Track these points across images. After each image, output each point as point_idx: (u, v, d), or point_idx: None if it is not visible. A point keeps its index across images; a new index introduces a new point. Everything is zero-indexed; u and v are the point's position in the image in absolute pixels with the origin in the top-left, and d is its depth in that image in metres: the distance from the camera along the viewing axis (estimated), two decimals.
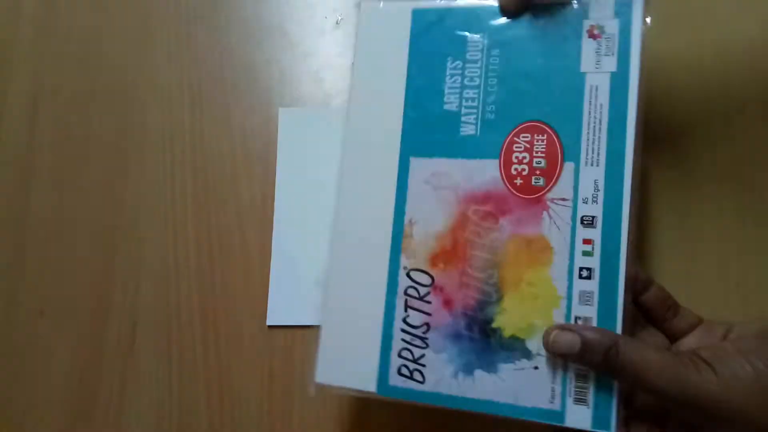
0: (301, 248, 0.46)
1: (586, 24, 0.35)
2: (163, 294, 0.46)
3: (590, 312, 0.33)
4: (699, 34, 0.46)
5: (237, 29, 0.52)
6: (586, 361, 0.31)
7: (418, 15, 0.38)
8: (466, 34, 0.37)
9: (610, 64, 0.35)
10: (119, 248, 0.47)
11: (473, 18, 0.37)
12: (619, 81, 0.34)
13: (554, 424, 0.33)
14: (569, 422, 0.32)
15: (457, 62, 0.37)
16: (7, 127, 0.50)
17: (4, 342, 0.45)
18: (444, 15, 0.38)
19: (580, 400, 0.32)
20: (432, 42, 0.38)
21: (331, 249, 0.37)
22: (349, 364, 0.35)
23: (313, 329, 0.44)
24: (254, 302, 0.45)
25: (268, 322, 0.44)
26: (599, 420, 0.32)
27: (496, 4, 0.37)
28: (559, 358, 0.32)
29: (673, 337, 0.36)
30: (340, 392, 0.35)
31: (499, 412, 0.33)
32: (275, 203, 0.47)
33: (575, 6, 0.36)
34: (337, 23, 0.52)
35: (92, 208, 0.48)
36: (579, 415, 0.32)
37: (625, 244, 0.33)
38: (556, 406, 0.33)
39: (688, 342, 0.35)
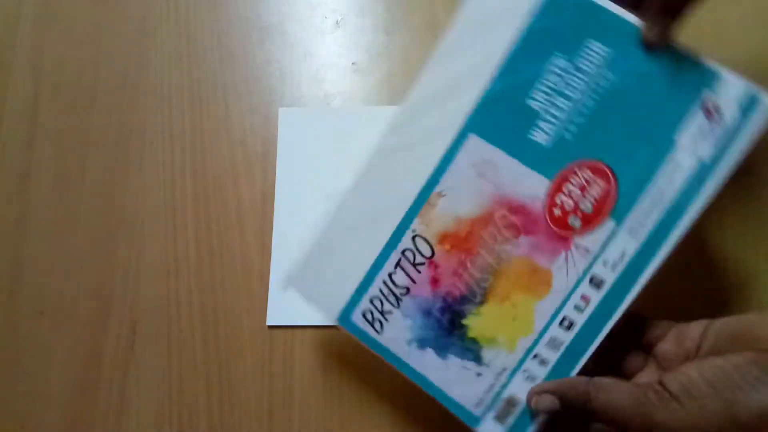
0: (301, 248, 0.46)
1: (707, 94, 0.32)
2: (163, 294, 0.46)
3: (551, 356, 0.34)
4: None
5: (237, 29, 0.52)
6: (568, 413, 0.32)
7: None
8: (590, 38, 0.33)
9: (706, 151, 0.32)
10: (119, 248, 0.47)
11: (606, 24, 0.33)
12: (703, 174, 0.32)
13: (467, 424, 0.34)
14: (482, 429, 0.34)
15: (565, 62, 0.33)
16: (7, 127, 0.50)
17: (4, 342, 0.45)
18: (579, 3, 0.33)
19: (499, 418, 0.34)
20: (550, 25, 0.33)
21: (357, 180, 0.36)
22: (324, 288, 0.36)
23: (309, 329, 0.44)
24: (254, 302, 0.45)
25: (268, 322, 0.44)
26: None
27: (636, 23, 0.33)
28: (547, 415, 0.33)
29: (648, 347, 0.35)
30: (303, 303, 0.37)
31: (429, 390, 0.35)
32: (275, 203, 0.47)
33: (706, 66, 0.32)
34: (337, 23, 0.52)
35: (92, 208, 0.48)
36: (491, 429, 0.34)
37: (615, 320, 0.33)
38: (478, 412, 0.34)
39: (663, 349, 0.34)
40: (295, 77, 0.50)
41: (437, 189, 0.35)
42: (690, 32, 0.46)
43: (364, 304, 0.36)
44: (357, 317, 0.36)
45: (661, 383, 0.30)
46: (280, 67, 0.50)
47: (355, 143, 0.48)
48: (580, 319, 0.33)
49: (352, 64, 0.50)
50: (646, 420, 0.29)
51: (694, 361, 0.31)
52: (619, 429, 0.30)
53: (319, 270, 0.37)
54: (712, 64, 0.32)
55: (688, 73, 0.32)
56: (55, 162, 0.49)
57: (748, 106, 0.32)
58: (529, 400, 0.33)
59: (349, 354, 0.43)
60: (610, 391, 0.31)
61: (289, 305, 0.45)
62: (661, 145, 0.32)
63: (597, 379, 0.32)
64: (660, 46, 0.32)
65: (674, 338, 0.34)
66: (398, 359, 0.35)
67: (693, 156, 0.32)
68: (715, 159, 0.32)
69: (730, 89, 0.32)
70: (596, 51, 0.33)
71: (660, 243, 0.32)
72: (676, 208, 0.32)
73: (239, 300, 0.45)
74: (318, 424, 0.42)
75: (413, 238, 0.35)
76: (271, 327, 0.44)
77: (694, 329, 0.33)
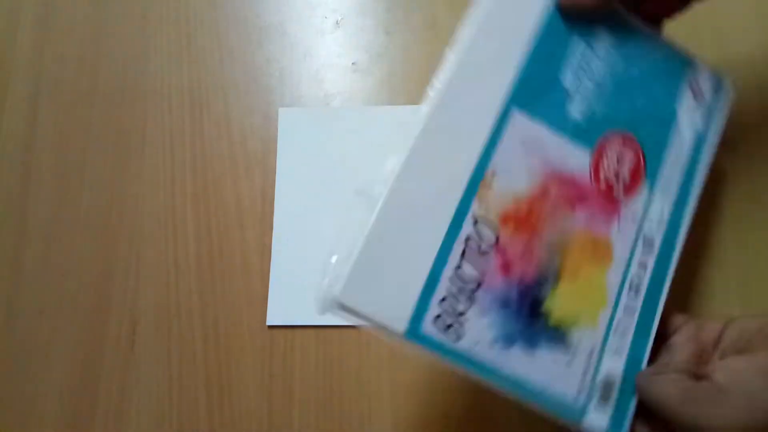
0: (301, 248, 0.46)
1: (691, 77, 0.39)
2: (163, 294, 0.46)
3: (629, 324, 0.34)
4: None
5: (237, 29, 0.52)
6: None
7: None
8: (601, 26, 0.37)
9: (698, 123, 0.39)
10: (119, 248, 0.47)
11: (610, 17, 0.37)
12: (700, 141, 0.39)
13: (571, 422, 0.32)
14: (589, 420, 0.32)
15: (584, 46, 0.37)
16: (7, 127, 0.50)
17: (4, 342, 0.45)
18: None
19: (601, 404, 0.32)
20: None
21: (401, 167, 0.32)
22: (382, 294, 0.30)
23: (309, 329, 0.44)
24: (254, 302, 0.45)
25: (268, 322, 0.44)
26: (616, 421, 0.32)
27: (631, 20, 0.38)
28: None
29: (661, 338, 0.35)
30: (358, 321, 0.30)
31: (526, 395, 0.31)
32: (275, 203, 0.47)
33: (684, 54, 0.39)
34: (337, 23, 0.52)
35: (92, 208, 0.48)
36: (598, 420, 0.32)
37: (671, 277, 0.35)
38: (580, 403, 0.32)
39: (677, 341, 0.34)
40: (295, 77, 0.50)
41: (490, 168, 0.33)
42: (690, 32, 0.46)
43: (433, 308, 0.30)
44: (428, 326, 0.30)
45: (710, 379, 0.30)
46: (280, 67, 0.50)
47: (355, 143, 0.48)
48: (644, 282, 0.35)
49: (352, 64, 0.50)
50: (697, 418, 0.29)
51: (741, 355, 0.31)
52: (668, 420, 0.30)
53: (371, 277, 0.30)
54: (687, 52, 0.40)
55: (672, 58, 0.39)
56: (55, 162, 0.49)
57: (718, 87, 0.40)
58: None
59: (349, 354, 0.43)
60: (662, 384, 0.31)
61: (289, 305, 0.45)
62: (667, 118, 0.38)
63: (647, 370, 0.32)
64: (571, 10, 0.36)
65: (690, 332, 0.34)
66: (484, 366, 0.31)
67: (690, 127, 0.38)
68: (706, 128, 0.39)
69: (704, 73, 0.40)
70: (604, 38, 0.37)
71: (687, 198, 0.37)
72: (690, 168, 0.38)
73: (239, 300, 0.45)
74: (318, 424, 0.42)
75: (475, 223, 0.32)
76: (271, 327, 0.44)
77: (712, 325, 0.33)
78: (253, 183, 0.48)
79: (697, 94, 0.39)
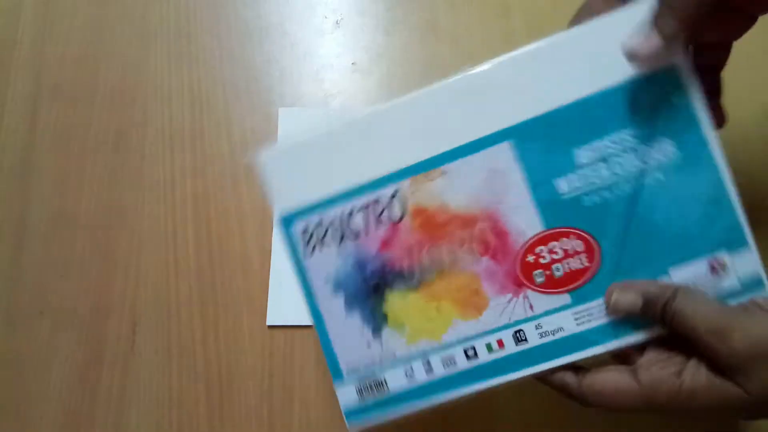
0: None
1: (720, 253, 0.32)
2: (163, 294, 0.46)
3: (439, 371, 0.34)
4: None
5: (237, 29, 0.52)
6: (647, 316, 0.31)
7: (678, 71, 0.31)
8: (670, 138, 0.32)
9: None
10: (119, 248, 0.47)
11: (690, 135, 0.31)
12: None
13: (332, 377, 0.35)
14: (341, 390, 0.35)
15: (633, 142, 0.32)
16: (7, 127, 0.50)
17: (4, 342, 0.45)
18: (680, 102, 0.31)
19: (360, 392, 0.35)
20: (642, 98, 0.32)
21: (391, 105, 0.34)
22: (287, 182, 0.34)
23: (309, 329, 0.44)
24: (254, 302, 0.45)
25: (268, 322, 0.44)
26: (357, 412, 0.35)
27: (717, 157, 0.31)
28: (621, 315, 0.32)
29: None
30: (263, 190, 0.34)
31: (319, 332, 0.35)
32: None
33: (739, 224, 0.31)
34: (337, 23, 0.52)
35: (92, 208, 0.48)
36: (347, 396, 0.35)
37: (509, 379, 0.33)
38: (347, 375, 0.35)
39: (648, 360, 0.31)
40: (295, 77, 0.50)
41: (444, 167, 0.33)
42: None
43: (312, 220, 0.34)
44: (297, 228, 0.34)
45: (751, 301, 0.29)
46: (280, 67, 0.50)
47: None
48: (484, 358, 0.33)
49: (352, 64, 0.50)
50: (723, 336, 0.28)
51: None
52: (694, 342, 0.29)
53: (297, 162, 0.34)
54: (747, 228, 0.31)
55: (722, 224, 0.32)
56: (55, 162, 0.49)
57: (750, 286, 0.32)
58: (608, 295, 0.31)
59: None
60: (696, 297, 0.29)
61: (289, 305, 0.45)
62: (653, 271, 0.32)
63: (689, 288, 0.30)
64: (648, 53, 0.30)
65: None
66: (309, 288, 0.35)
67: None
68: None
69: (746, 261, 0.31)
70: (666, 151, 0.32)
71: (592, 343, 0.32)
72: (625, 326, 0.32)
73: (239, 300, 0.45)
74: (318, 424, 0.42)
75: (393, 194, 0.34)
76: (271, 327, 0.44)
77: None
78: (253, 183, 0.48)
79: (715, 273, 0.32)
